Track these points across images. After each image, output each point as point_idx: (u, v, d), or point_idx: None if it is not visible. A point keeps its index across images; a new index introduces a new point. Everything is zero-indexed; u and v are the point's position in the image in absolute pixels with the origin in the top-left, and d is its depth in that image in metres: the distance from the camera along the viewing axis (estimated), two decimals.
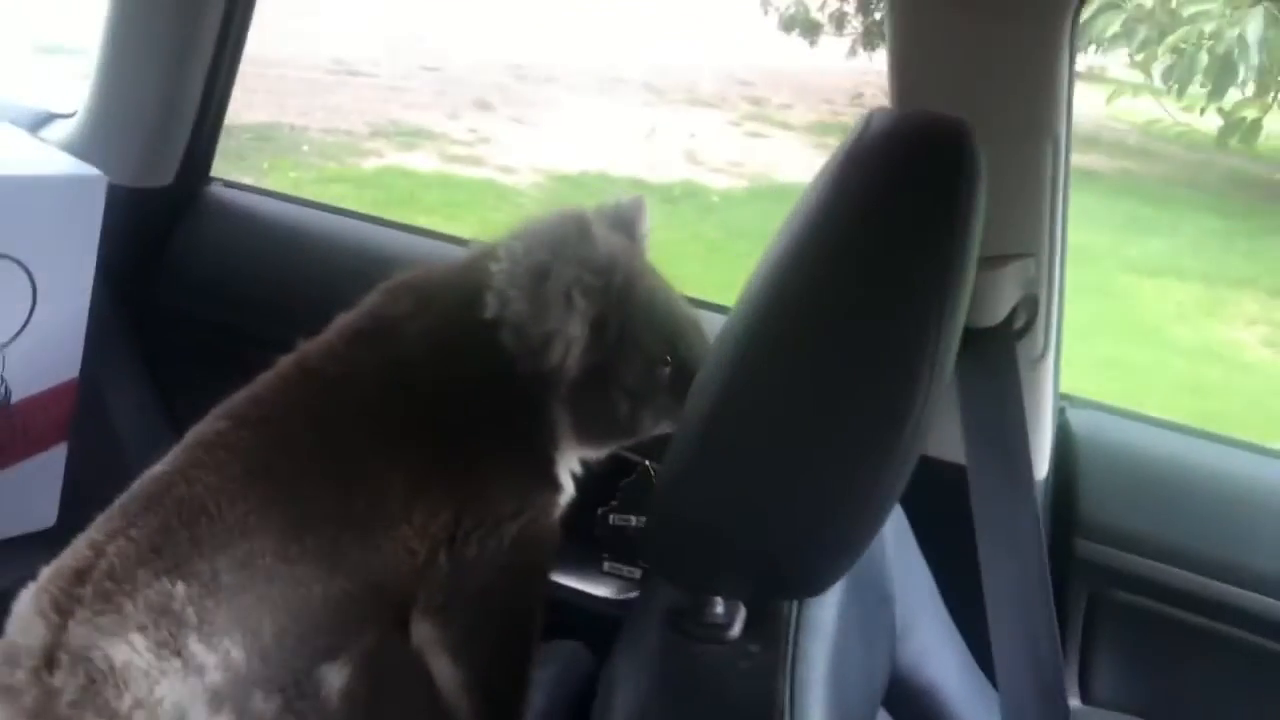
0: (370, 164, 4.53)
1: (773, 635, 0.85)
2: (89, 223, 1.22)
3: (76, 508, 0.95)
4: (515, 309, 0.94)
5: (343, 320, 1.00)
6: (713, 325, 1.48)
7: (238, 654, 0.86)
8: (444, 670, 0.96)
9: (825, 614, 0.89)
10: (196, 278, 1.50)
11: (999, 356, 1.14)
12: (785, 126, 5.66)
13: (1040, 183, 1.10)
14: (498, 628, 0.96)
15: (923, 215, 0.74)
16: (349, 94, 5.12)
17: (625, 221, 1.07)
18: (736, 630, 0.85)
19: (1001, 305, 1.14)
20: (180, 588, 0.85)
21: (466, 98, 5.32)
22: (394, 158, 4.62)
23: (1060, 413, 1.32)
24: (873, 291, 0.74)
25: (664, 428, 1.02)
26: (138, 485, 0.92)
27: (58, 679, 0.82)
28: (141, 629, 0.83)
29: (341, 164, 4.49)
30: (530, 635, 0.98)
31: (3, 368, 1.22)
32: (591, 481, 1.40)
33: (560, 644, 1.35)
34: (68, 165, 1.23)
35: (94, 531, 0.90)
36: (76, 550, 0.88)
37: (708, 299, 1.31)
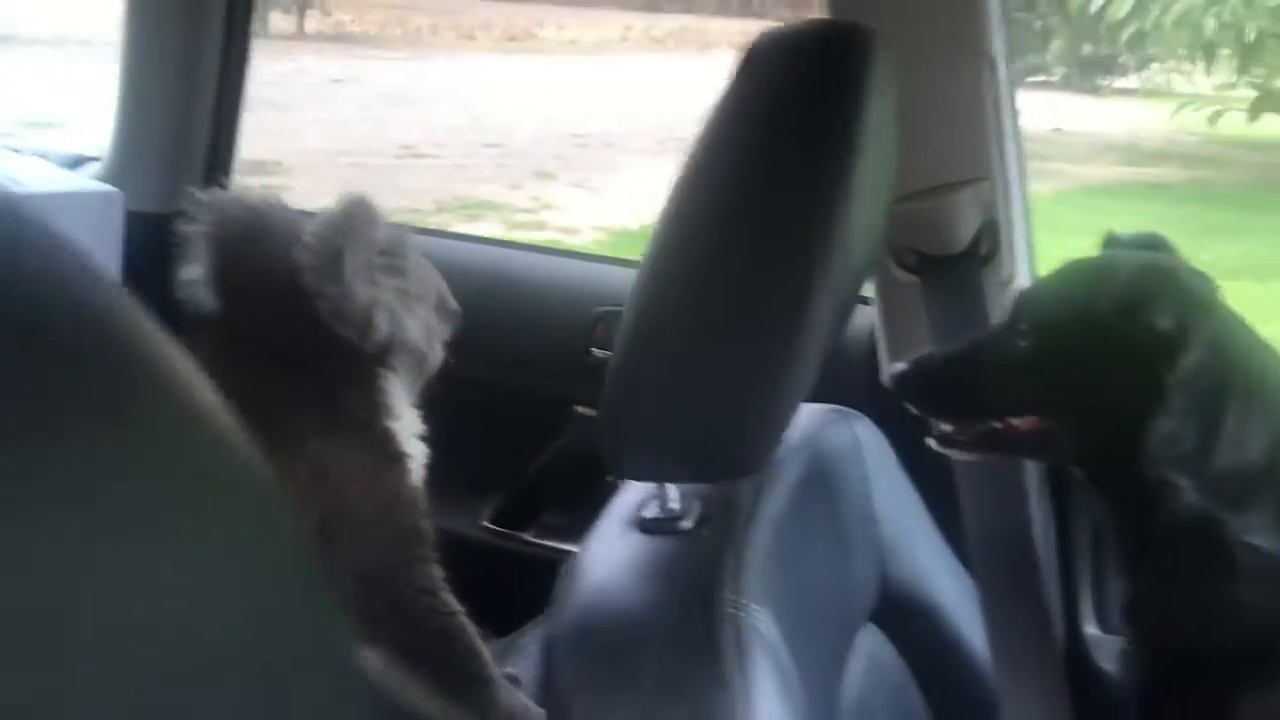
0: None
1: (723, 524, 0.89)
2: (111, 234, 1.34)
3: None
4: (330, 294, 1.02)
5: None
6: None
7: None
8: (368, 657, 1.01)
9: (775, 508, 0.93)
10: None
11: (964, 283, 1.18)
12: None
13: (980, 105, 1.14)
14: (401, 599, 1.03)
15: (806, 112, 0.79)
16: (415, 175, 5.32)
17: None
18: (690, 522, 0.90)
19: (962, 232, 1.18)
20: None
21: (528, 169, 5.49)
22: (459, 229, 4.78)
23: None
24: (763, 193, 0.79)
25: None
26: None
27: None
28: None
29: None
30: (436, 593, 1.04)
31: None
32: None
33: None
34: (87, 184, 1.36)
35: None
36: None
37: None
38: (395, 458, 1.06)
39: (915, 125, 1.12)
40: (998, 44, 1.12)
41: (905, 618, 1.10)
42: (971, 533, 1.08)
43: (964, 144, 1.15)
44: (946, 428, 1.02)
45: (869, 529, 1.08)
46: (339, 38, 7.21)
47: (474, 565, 1.18)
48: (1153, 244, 1.04)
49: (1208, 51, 2.75)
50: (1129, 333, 0.90)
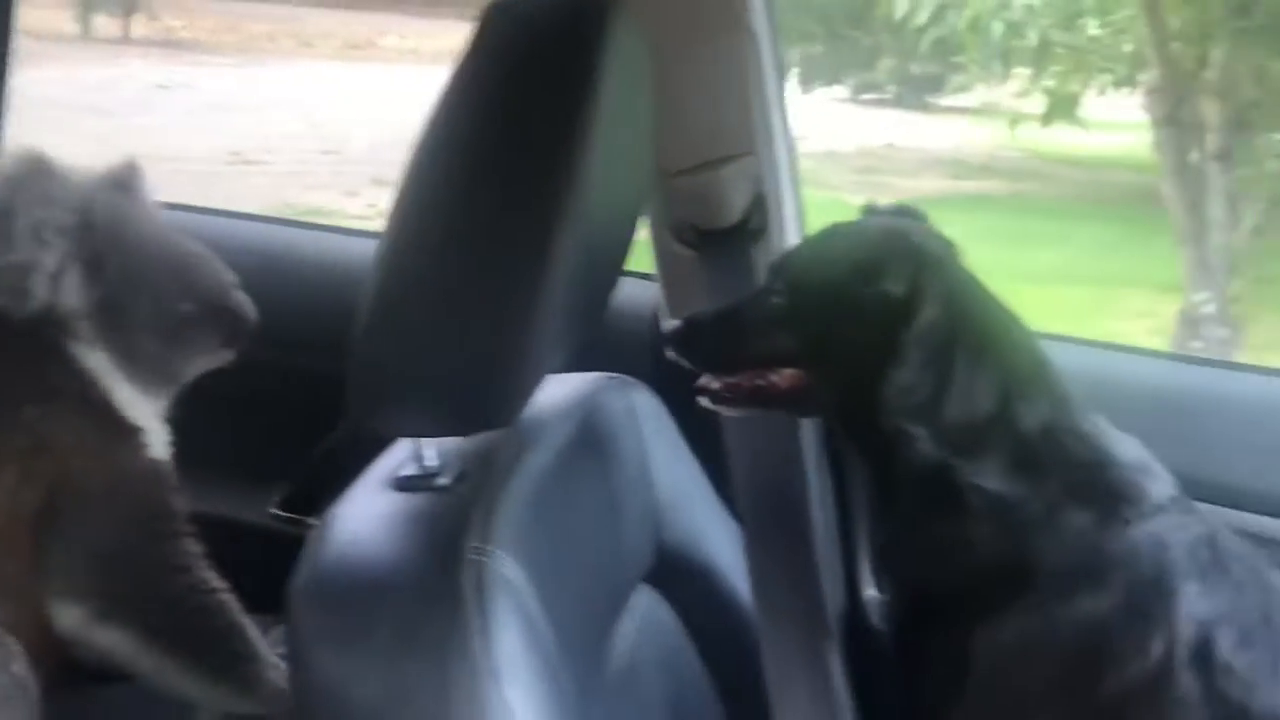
0: None
1: (478, 479, 0.89)
2: None
3: None
4: None
5: None
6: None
7: None
8: (116, 640, 1.01)
9: (538, 466, 0.94)
10: None
11: (737, 256, 1.21)
12: None
13: (744, 79, 1.16)
14: (149, 579, 1.01)
15: (539, 78, 0.79)
16: (245, 182, 5.18)
17: (122, 183, 1.12)
18: (446, 479, 0.90)
19: (732, 206, 1.21)
20: None
21: (365, 176, 5.40)
22: None
23: None
24: (498, 154, 0.79)
25: (206, 365, 1.11)
26: None
27: None
28: None
29: None
30: (190, 570, 1.03)
31: None
32: None
33: None
34: None
35: None
36: None
37: None
38: (125, 432, 1.03)
39: (683, 100, 1.15)
40: (760, 18, 1.15)
41: (681, 579, 1.12)
42: (740, 493, 1.11)
43: (730, 119, 1.17)
44: (715, 384, 1.05)
45: (644, 493, 1.10)
46: (169, 43, 6.97)
47: (262, 552, 1.15)
48: (907, 213, 1.10)
49: (1004, 58, 2.90)
50: (866, 295, 0.95)
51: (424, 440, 0.90)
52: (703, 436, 1.17)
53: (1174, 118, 3.11)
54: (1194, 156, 3.26)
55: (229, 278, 1.09)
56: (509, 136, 0.79)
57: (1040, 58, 2.90)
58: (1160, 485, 0.95)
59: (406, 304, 0.82)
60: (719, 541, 1.18)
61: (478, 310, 0.81)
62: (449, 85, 0.81)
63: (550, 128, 0.79)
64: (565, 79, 0.79)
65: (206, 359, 1.08)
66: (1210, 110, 3.18)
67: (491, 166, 0.79)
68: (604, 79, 0.80)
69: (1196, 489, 1.02)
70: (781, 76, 1.21)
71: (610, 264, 1.01)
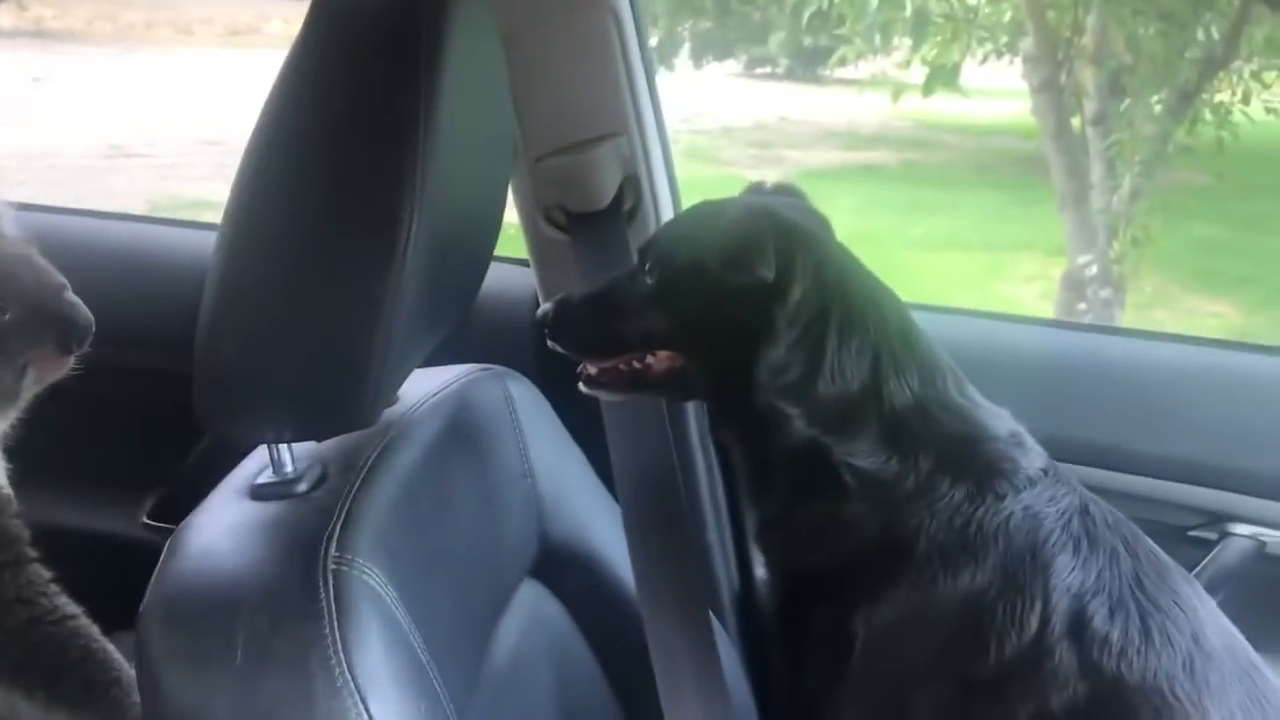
0: None
1: (339, 484, 0.86)
2: None
3: None
4: None
5: None
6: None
7: None
8: None
9: (404, 466, 0.90)
10: None
11: (610, 238, 1.19)
12: None
13: (610, 60, 1.14)
14: None
15: (375, 63, 0.76)
16: (125, 176, 5.01)
17: None
18: (305, 485, 0.86)
19: (604, 188, 1.18)
20: None
21: None
22: None
23: None
24: (339, 144, 0.76)
25: (47, 374, 1.05)
26: None
27: None
28: None
29: None
30: (33, 601, 0.99)
31: None
32: None
33: None
34: None
35: None
36: None
37: None
38: None
39: (547, 81, 1.13)
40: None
41: (567, 571, 1.10)
42: (619, 478, 1.09)
43: (595, 100, 1.15)
44: (591, 369, 1.03)
45: (525, 485, 1.08)
46: (40, 34, 6.70)
47: (136, 563, 1.10)
48: (787, 191, 1.08)
49: (883, 29, 2.92)
50: (735, 275, 0.93)
51: (283, 444, 0.86)
52: (587, 425, 1.15)
53: (1052, 84, 3.17)
54: (1073, 122, 3.32)
55: (56, 280, 1.01)
56: (346, 122, 0.75)
57: (918, 28, 2.93)
58: (1033, 457, 0.95)
59: (248, 302, 0.78)
60: (605, 531, 1.16)
61: (323, 305, 0.77)
62: (283, 71, 0.77)
63: (391, 111, 0.75)
64: (403, 62, 0.76)
65: (44, 368, 1.01)
66: (1086, 76, 3.24)
67: (328, 154, 0.76)
68: (447, 62, 0.77)
69: (1072, 451, 1.02)
70: (649, 56, 1.19)
71: (477, 250, 0.98)
